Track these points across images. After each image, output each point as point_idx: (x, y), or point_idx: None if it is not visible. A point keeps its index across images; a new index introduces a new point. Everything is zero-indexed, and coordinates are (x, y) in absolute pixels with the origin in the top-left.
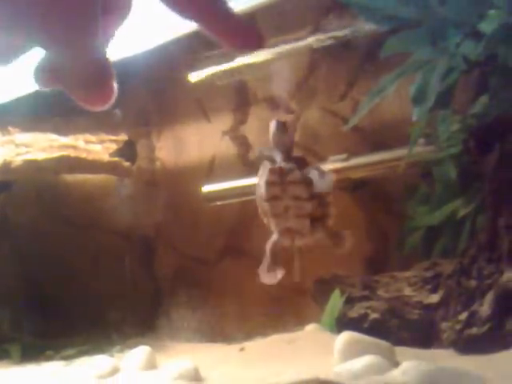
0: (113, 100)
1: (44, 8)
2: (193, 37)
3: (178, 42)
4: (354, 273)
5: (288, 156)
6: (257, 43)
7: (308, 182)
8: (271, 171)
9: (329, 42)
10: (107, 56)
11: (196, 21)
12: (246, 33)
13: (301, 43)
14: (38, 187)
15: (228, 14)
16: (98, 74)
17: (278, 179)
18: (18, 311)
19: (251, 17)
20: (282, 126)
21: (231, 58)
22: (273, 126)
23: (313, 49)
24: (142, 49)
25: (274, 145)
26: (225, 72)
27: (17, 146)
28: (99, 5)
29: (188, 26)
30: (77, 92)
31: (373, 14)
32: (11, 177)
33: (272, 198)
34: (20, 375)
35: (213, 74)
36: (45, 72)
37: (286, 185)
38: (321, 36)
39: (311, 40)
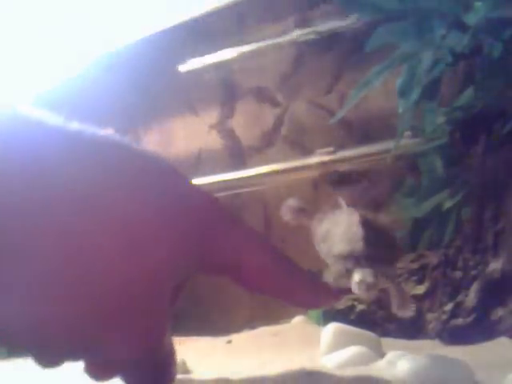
0: None
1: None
2: (180, 29)
3: (164, 34)
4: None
5: None
6: (332, 299)
7: None
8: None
9: (314, 35)
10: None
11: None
12: (320, 292)
13: (286, 36)
14: None
15: (302, 280)
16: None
17: None
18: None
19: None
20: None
21: (218, 51)
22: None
23: (299, 42)
24: (128, 41)
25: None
26: (212, 65)
27: None
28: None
29: (175, 18)
30: None
31: (358, 6)
32: None
33: None
34: (7, 370)
35: (200, 68)
36: None
37: None
38: (306, 29)
39: (297, 33)
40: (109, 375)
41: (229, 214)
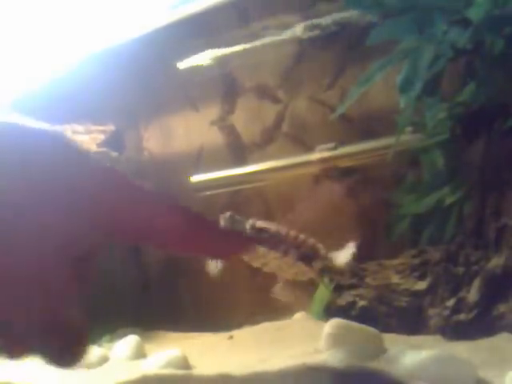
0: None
1: None
2: (181, 25)
3: (164, 30)
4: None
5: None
6: (245, 248)
7: None
8: None
9: (316, 31)
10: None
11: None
12: (234, 243)
13: (287, 32)
14: None
15: (214, 233)
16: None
17: None
18: None
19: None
20: (231, 220)
21: (219, 47)
22: (222, 222)
23: (300, 38)
24: (128, 38)
25: None
26: (213, 61)
27: None
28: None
29: (176, 14)
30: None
31: (360, 2)
32: None
33: None
34: (9, 366)
35: (200, 65)
36: None
37: None
38: (308, 24)
39: (298, 29)
40: (20, 351)
41: (128, 181)
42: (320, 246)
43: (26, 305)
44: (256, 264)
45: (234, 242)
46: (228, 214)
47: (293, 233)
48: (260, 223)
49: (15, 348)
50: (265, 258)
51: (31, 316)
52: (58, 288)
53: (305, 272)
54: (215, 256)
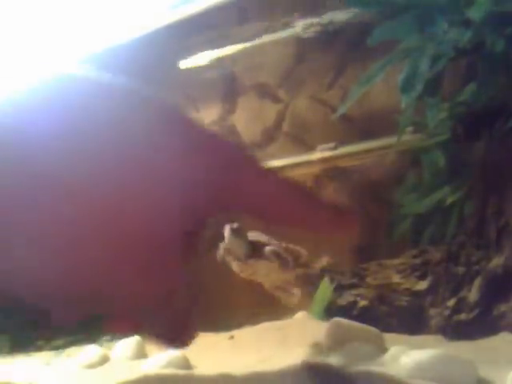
0: None
1: None
2: (181, 24)
3: (165, 30)
4: (344, 261)
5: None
6: (354, 226)
7: None
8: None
9: (316, 30)
10: None
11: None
12: (342, 220)
13: (288, 32)
14: None
15: (319, 206)
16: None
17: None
18: (6, 302)
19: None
20: (236, 232)
21: (219, 46)
22: (227, 233)
23: (300, 37)
24: (129, 37)
25: (232, 250)
26: (213, 61)
27: None
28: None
29: (176, 14)
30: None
31: (360, 1)
32: None
33: None
34: (10, 366)
35: (200, 65)
36: None
37: None
38: (308, 23)
39: (299, 28)
40: (126, 329)
41: (242, 154)
42: (302, 251)
43: (139, 277)
44: (244, 275)
45: (342, 220)
46: (235, 225)
47: (277, 241)
48: (259, 237)
49: (124, 324)
50: (252, 268)
51: (143, 289)
52: (171, 263)
53: (289, 279)
54: (321, 232)
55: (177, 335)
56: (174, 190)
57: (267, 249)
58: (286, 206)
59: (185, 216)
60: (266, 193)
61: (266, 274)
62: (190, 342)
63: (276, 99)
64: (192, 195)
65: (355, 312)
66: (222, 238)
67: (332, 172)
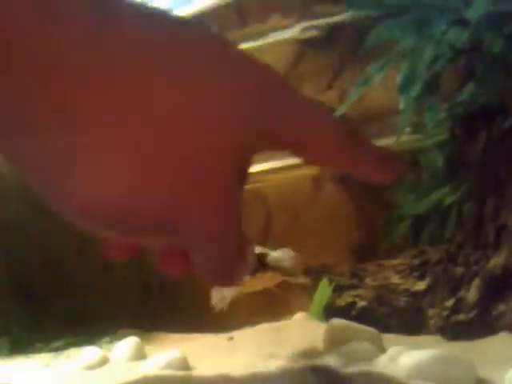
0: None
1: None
2: None
3: None
4: (343, 262)
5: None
6: (401, 170)
7: None
8: None
9: (315, 31)
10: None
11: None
12: (389, 163)
13: (287, 33)
14: (21, 181)
15: (367, 150)
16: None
17: None
18: (6, 303)
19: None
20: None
21: None
22: None
23: (299, 38)
24: None
25: None
26: None
27: None
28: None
29: (181, 11)
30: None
31: (359, 2)
32: None
33: None
34: (9, 368)
35: None
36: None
37: None
38: (307, 24)
39: (297, 29)
40: (179, 265)
41: (290, 89)
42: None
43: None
44: (249, 289)
45: (389, 165)
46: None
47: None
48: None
49: (177, 260)
50: (259, 282)
51: (196, 224)
52: (227, 193)
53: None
54: (367, 175)
55: (229, 272)
56: (225, 120)
57: (271, 257)
58: (334, 143)
59: (238, 148)
60: (313, 128)
61: (267, 283)
62: (240, 281)
63: None
64: (244, 126)
65: (354, 312)
66: None
67: (331, 173)
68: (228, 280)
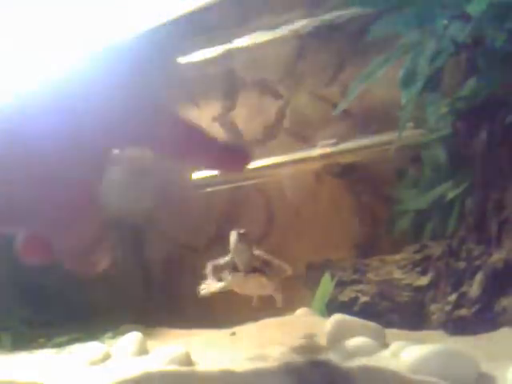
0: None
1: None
2: (182, 21)
3: (166, 26)
4: (345, 257)
5: (249, 266)
6: (245, 162)
7: None
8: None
9: (316, 26)
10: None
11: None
12: (234, 156)
13: (288, 28)
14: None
15: (214, 145)
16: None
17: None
18: (8, 299)
19: None
20: (243, 237)
21: (220, 43)
22: (233, 237)
23: (300, 33)
24: (130, 34)
25: (235, 256)
26: (214, 57)
27: None
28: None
29: (177, 10)
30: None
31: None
32: None
33: None
34: (11, 363)
35: (200, 62)
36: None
37: None
38: (308, 20)
39: (299, 24)
40: (39, 249)
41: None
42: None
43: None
44: (240, 289)
45: (234, 156)
46: (242, 230)
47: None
48: (264, 256)
49: (38, 243)
50: (250, 283)
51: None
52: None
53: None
54: (214, 167)
55: (85, 259)
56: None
57: (275, 264)
58: (183, 142)
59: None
60: (166, 130)
61: (260, 287)
62: (101, 268)
63: (276, 95)
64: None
65: (356, 308)
66: (227, 243)
67: (333, 168)
68: (84, 266)
